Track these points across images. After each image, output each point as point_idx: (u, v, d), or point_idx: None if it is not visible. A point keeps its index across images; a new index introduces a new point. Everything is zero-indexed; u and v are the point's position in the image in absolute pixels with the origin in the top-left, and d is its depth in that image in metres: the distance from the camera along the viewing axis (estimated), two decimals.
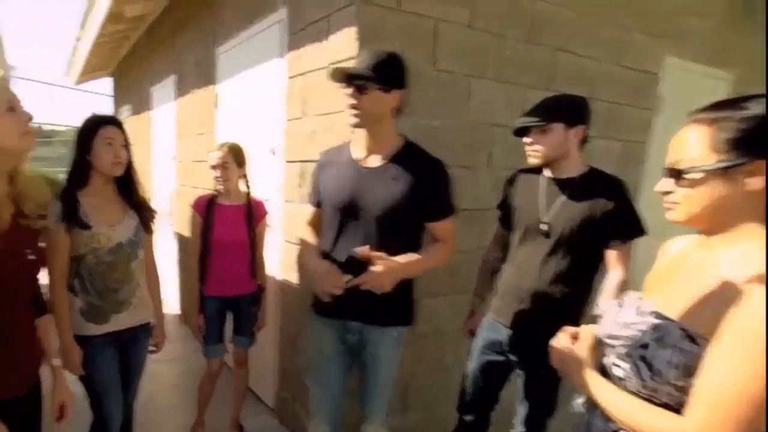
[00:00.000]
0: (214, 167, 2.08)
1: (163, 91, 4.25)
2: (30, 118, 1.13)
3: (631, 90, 2.65)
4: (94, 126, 1.56)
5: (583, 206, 1.48)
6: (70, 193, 1.55)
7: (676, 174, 0.78)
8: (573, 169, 1.54)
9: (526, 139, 1.54)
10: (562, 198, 1.52)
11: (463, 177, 2.14)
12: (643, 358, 0.78)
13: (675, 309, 0.79)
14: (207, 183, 3.33)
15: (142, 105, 5.17)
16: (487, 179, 2.21)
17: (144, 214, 1.71)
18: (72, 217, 1.51)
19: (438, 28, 1.92)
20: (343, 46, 1.80)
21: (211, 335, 2.20)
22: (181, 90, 3.74)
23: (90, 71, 6.88)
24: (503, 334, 1.62)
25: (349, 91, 1.37)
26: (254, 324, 2.26)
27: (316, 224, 1.65)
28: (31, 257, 1.17)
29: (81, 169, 1.57)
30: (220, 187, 2.13)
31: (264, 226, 2.26)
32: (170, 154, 4.11)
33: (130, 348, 1.71)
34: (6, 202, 1.11)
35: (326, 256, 1.50)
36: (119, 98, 6.93)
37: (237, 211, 2.17)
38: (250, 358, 2.33)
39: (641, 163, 2.83)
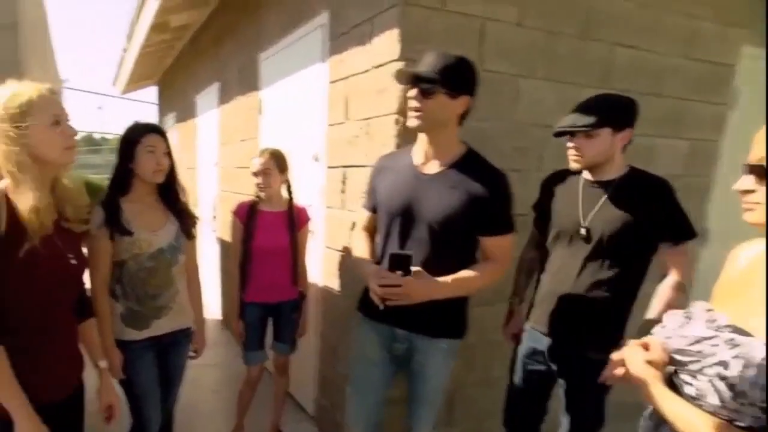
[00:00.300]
0: (255, 174, 2.18)
1: (206, 98, 4.48)
2: (74, 134, 1.22)
3: (701, 84, 2.53)
4: (137, 134, 1.66)
5: (625, 209, 1.46)
6: (112, 200, 1.66)
7: (759, 172, 0.75)
8: (614, 170, 1.53)
9: (569, 143, 1.51)
10: (603, 201, 1.51)
11: (513, 180, 2.10)
12: (723, 378, 0.75)
13: (753, 322, 0.75)
14: (249, 189, 3.47)
15: (186, 113, 5.45)
16: (537, 183, 2.16)
17: (185, 220, 1.80)
18: (114, 224, 1.62)
19: (485, 28, 1.92)
20: (387, 49, 1.84)
21: (252, 342, 2.28)
22: (225, 97, 3.93)
23: (136, 80, 7.34)
24: (543, 342, 1.63)
25: (414, 93, 1.38)
26: (295, 331, 2.33)
27: (370, 230, 1.68)
28: (74, 261, 1.25)
29: (123, 177, 1.68)
30: (262, 194, 2.21)
31: (306, 232, 2.33)
32: (213, 161, 4.30)
33: (170, 353, 1.81)
34: (49, 209, 1.19)
35: (382, 263, 1.52)
36: (164, 106, 7.34)
37: (278, 217, 2.25)
38: (291, 365, 2.40)
39: (712, 162, 2.69)
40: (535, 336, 1.67)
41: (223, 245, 3.98)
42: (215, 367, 3.33)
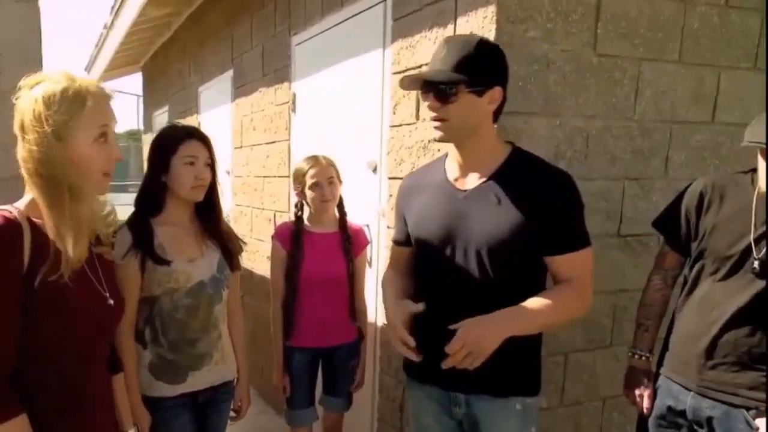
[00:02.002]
0: (316, 184, 2.19)
1: (215, 90, 4.58)
2: (119, 157, 1.22)
3: None
4: (174, 141, 1.69)
5: None
6: (143, 221, 1.69)
7: None
8: None
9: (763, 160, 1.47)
10: None
11: (631, 192, 2.12)
12: None
13: None
14: (277, 204, 3.55)
15: (185, 107, 5.58)
16: (662, 194, 2.15)
17: (229, 246, 1.83)
18: (146, 250, 1.64)
19: (602, 1, 1.92)
20: (478, 31, 1.85)
21: (300, 397, 2.31)
22: (241, 89, 4.01)
23: (118, 66, 7.55)
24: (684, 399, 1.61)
25: (429, 100, 1.39)
26: (352, 382, 2.34)
27: (401, 266, 1.68)
28: (110, 302, 1.27)
29: (155, 193, 1.71)
30: (320, 210, 2.23)
31: (365, 258, 2.36)
32: (224, 168, 4.37)
33: (209, 413, 1.84)
34: (85, 236, 1.19)
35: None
36: (152, 99, 7.52)
37: (331, 239, 2.29)
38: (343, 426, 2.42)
39: None
40: (671, 390, 1.65)
41: (242, 275, 4.02)
42: (235, 427, 3.34)
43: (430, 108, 1.39)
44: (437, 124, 1.40)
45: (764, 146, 1.46)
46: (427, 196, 1.53)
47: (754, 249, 1.51)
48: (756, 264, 1.49)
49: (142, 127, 8.20)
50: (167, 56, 6.35)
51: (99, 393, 1.32)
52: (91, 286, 1.24)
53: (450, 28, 1.99)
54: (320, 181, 2.18)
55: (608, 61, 1.99)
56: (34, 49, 1.58)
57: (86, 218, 1.18)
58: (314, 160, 2.22)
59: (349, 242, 2.28)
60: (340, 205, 2.31)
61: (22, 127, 1.14)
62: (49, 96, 1.12)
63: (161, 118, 6.71)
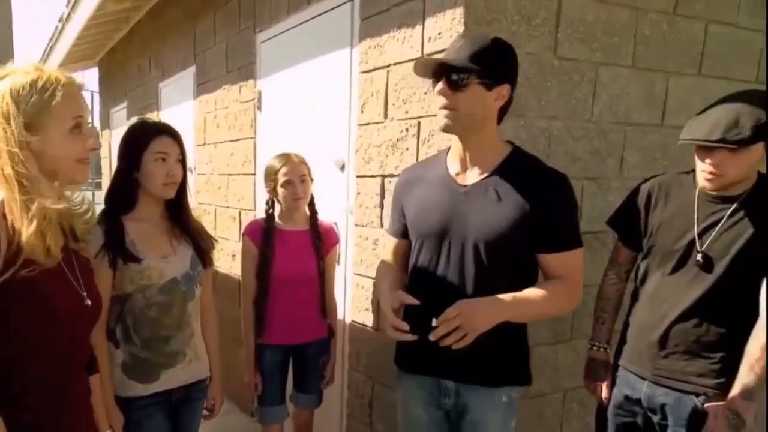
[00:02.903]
0: (288, 182, 2.15)
1: (176, 86, 4.44)
2: (94, 145, 1.17)
3: None
4: (145, 137, 1.64)
5: (755, 229, 1.49)
6: (113, 218, 1.64)
7: None
8: (744, 183, 1.55)
9: (708, 160, 1.52)
10: (725, 218, 1.54)
11: (590, 191, 2.16)
12: None
13: None
14: (242, 202, 3.47)
15: (144, 103, 5.39)
16: (618, 193, 2.21)
17: (201, 243, 1.79)
18: (116, 248, 1.60)
19: (562, 5, 1.95)
20: (445, 32, 1.86)
21: (271, 395, 2.27)
22: (204, 86, 3.90)
23: (73, 61, 7.23)
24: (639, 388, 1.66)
25: (440, 87, 1.39)
26: (322, 379, 2.32)
27: (399, 258, 1.69)
28: (87, 302, 1.22)
29: (126, 189, 1.66)
30: (292, 208, 2.21)
31: (335, 255, 2.35)
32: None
33: (181, 412, 1.79)
34: (58, 232, 1.15)
35: (418, 296, 1.53)
36: (109, 94, 7.24)
37: (302, 237, 2.26)
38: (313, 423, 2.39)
39: None
40: (628, 380, 1.70)
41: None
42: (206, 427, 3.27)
43: (441, 94, 1.39)
44: (446, 112, 1.40)
45: (696, 142, 1.52)
46: (427, 190, 1.54)
47: (697, 242, 1.57)
48: (699, 257, 1.55)
49: (98, 124, 7.89)
50: (126, 51, 6.11)
51: (81, 394, 1.28)
52: (68, 285, 1.19)
53: (418, 28, 1.98)
54: (292, 179, 2.15)
55: (568, 64, 2.03)
56: (6, 41, 1.48)
57: (56, 214, 1.12)
58: (286, 158, 2.18)
59: (320, 240, 2.26)
60: (311, 204, 2.29)
61: None
62: (18, 89, 1.07)
63: (119, 115, 6.47)
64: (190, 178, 4.19)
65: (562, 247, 1.45)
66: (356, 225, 2.38)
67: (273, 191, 2.21)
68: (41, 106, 1.08)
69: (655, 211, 1.70)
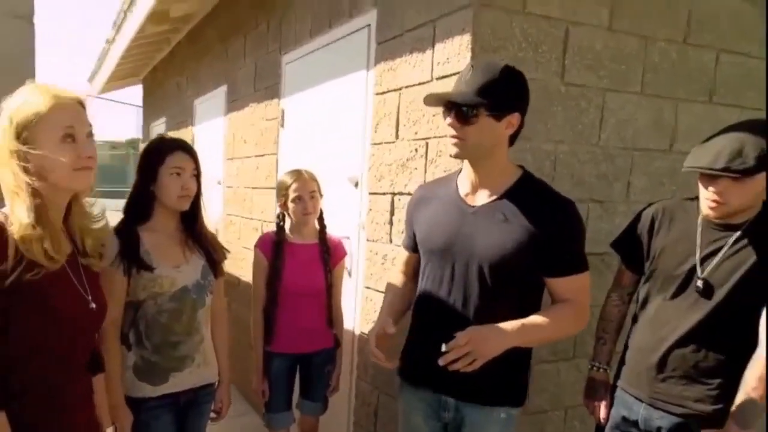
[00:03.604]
0: (299, 198, 2.21)
1: (209, 104, 4.59)
2: (89, 154, 1.18)
3: None
4: (161, 153, 1.71)
5: (757, 257, 1.47)
6: (130, 228, 1.70)
7: None
8: (748, 212, 1.53)
9: (711, 188, 1.50)
10: (728, 246, 1.52)
11: (595, 214, 2.15)
12: None
13: None
14: (265, 214, 3.55)
15: (181, 119, 5.58)
16: (624, 216, 2.19)
17: (213, 253, 1.84)
18: (131, 256, 1.66)
19: (569, 33, 1.97)
20: (454, 57, 1.89)
21: (277, 401, 2.30)
22: (234, 104, 4.02)
23: (118, 78, 7.55)
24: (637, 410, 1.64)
25: (450, 120, 1.41)
26: (328, 387, 2.35)
27: (409, 269, 1.72)
28: (93, 306, 1.27)
29: (143, 201, 1.72)
30: (302, 222, 2.25)
31: (342, 268, 2.38)
32: (216, 178, 4.37)
33: (189, 414, 1.83)
34: (59, 240, 1.19)
35: (422, 313, 1.57)
36: (151, 109, 7.52)
37: (311, 251, 2.30)
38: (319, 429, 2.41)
39: None
40: (626, 401, 1.68)
41: (228, 281, 4.01)
42: (217, 427, 3.32)
43: (451, 126, 1.41)
44: (455, 141, 1.42)
45: (700, 170, 1.50)
46: (437, 208, 1.56)
47: (698, 268, 1.55)
48: (700, 283, 1.53)
49: (141, 136, 8.19)
50: (166, 70, 6.36)
51: (81, 394, 1.31)
52: (73, 288, 1.24)
53: (428, 53, 2.03)
54: (302, 194, 2.20)
55: (575, 90, 2.03)
56: (28, 62, 1.59)
57: (57, 221, 1.18)
58: (297, 174, 2.24)
59: (328, 253, 2.29)
60: (321, 218, 2.33)
61: None
62: (13, 109, 1.14)
63: (158, 129, 6.70)
64: (219, 190, 4.32)
65: (570, 271, 1.45)
66: (367, 240, 2.42)
67: (284, 206, 2.26)
68: (31, 119, 1.12)
69: (659, 236, 1.68)
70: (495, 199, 1.46)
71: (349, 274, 2.52)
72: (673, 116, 2.24)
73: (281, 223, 2.29)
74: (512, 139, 1.48)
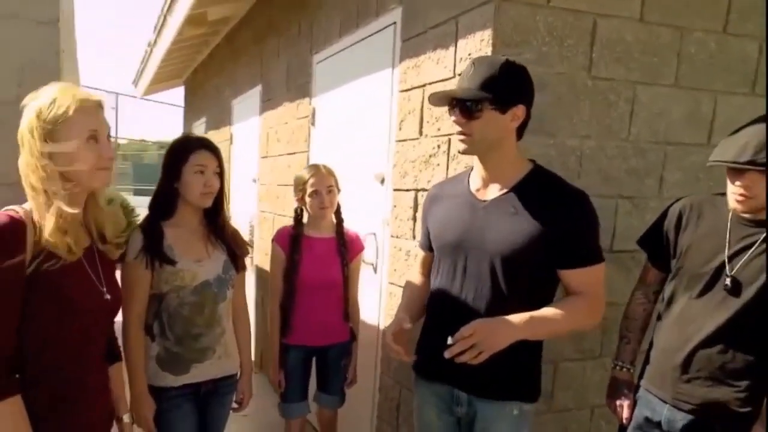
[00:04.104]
0: (316, 192, 2.22)
1: (245, 103, 4.67)
2: (110, 155, 1.24)
3: None
4: (185, 151, 1.74)
5: None
6: (154, 224, 1.74)
7: None
8: None
9: (738, 182, 1.44)
10: (758, 245, 1.46)
11: (624, 210, 2.09)
12: None
13: None
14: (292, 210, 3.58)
15: (220, 119, 5.70)
16: (655, 212, 2.10)
17: (235, 249, 1.87)
18: (155, 251, 1.70)
19: (597, 26, 1.91)
20: (476, 53, 1.86)
21: (293, 391, 2.32)
22: (268, 103, 4.08)
23: (161, 80, 7.78)
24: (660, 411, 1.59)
25: (455, 117, 1.41)
26: (344, 380, 2.36)
27: (426, 270, 1.71)
28: (108, 297, 1.30)
29: (167, 198, 1.76)
30: (319, 216, 2.26)
31: (359, 262, 2.38)
32: (251, 176, 4.45)
33: (210, 403, 1.87)
34: (79, 232, 1.23)
35: (435, 308, 1.56)
36: (192, 110, 7.72)
37: (328, 245, 2.31)
38: (340, 421, 2.42)
39: None
40: (650, 401, 1.63)
41: (261, 275, 4.08)
42: (248, 418, 3.38)
43: (456, 123, 1.42)
44: (462, 137, 1.42)
45: (725, 164, 1.44)
46: (449, 205, 1.56)
47: (727, 266, 1.48)
48: (728, 281, 1.46)
49: None
50: (206, 72, 6.51)
51: (96, 382, 1.34)
52: (88, 279, 1.27)
53: (451, 50, 2.00)
54: (320, 189, 2.20)
55: (603, 83, 1.97)
56: (54, 68, 1.65)
57: (77, 216, 1.22)
58: (315, 169, 2.25)
59: (345, 247, 2.30)
60: (338, 212, 2.33)
61: (21, 139, 1.20)
62: (40, 108, 1.17)
63: (199, 129, 6.88)
64: (254, 188, 4.40)
65: (582, 263, 1.42)
66: (392, 236, 2.41)
67: (301, 200, 2.27)
68: (58, 120, 1.16)
69: (686, 232, 1.62)
70: (505, 193, 1.45)
71: (375, 270, 2.52)
72: (710, 109, 2.14)
73: (299, 217, 2.31)
74: (520, 132, 1.46)
